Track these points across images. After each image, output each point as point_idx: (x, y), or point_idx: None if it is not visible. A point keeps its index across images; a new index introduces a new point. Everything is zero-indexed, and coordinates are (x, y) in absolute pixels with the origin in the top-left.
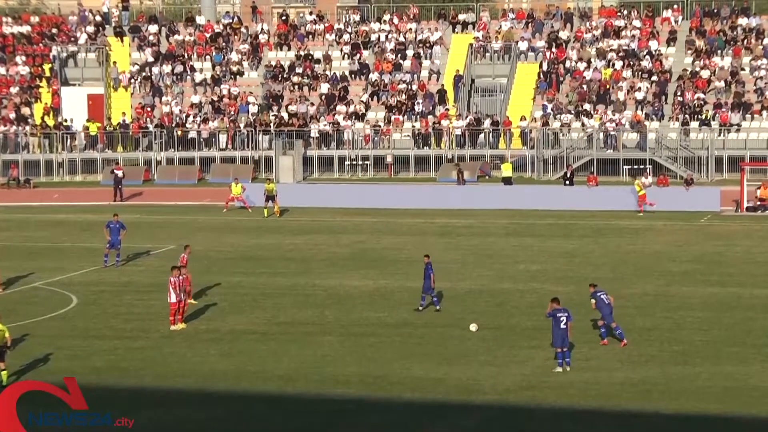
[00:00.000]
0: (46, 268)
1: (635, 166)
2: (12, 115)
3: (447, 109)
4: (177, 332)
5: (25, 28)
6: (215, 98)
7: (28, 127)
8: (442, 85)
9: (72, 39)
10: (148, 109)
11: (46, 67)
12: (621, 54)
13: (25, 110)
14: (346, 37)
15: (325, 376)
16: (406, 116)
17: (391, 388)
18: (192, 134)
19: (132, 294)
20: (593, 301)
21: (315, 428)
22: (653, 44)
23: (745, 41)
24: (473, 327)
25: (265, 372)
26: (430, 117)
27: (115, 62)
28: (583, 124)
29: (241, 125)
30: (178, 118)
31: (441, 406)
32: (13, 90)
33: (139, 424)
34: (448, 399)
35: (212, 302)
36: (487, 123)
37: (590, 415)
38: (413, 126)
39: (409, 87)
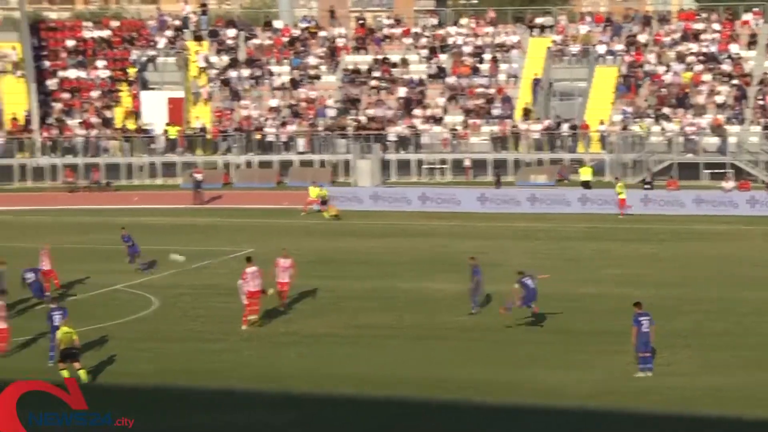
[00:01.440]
0: (126, 271)
1: (716, 170)
2: (93, 119)
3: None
4: (255, 335)
5: (106, 33)
6: (293, 102)
7: (109, 131)
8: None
9: (151, 43)
10: (227, 112)
11: (132, 70)
12: (700, 57)
13: (107, 114)
14: (423, 40)
15: (395, 379)
16: (483, 120)
17: (463, 392)
18: (270, 138)
19: (212, 297)
20: (517, 286)
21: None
22: (733, 47)
23: None
24: (176, 257)
25: (341, 374)
26: (507, 121)
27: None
28: (662, 128)
29: (319, 129)
30: (256, 122)
31: (518, 410)
32: (94, 94)
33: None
34: (526, 403)
35: (292, 305)
36: (565, 127)
37: (671, 421)
38: (491, 130)
39: (487, 90)
